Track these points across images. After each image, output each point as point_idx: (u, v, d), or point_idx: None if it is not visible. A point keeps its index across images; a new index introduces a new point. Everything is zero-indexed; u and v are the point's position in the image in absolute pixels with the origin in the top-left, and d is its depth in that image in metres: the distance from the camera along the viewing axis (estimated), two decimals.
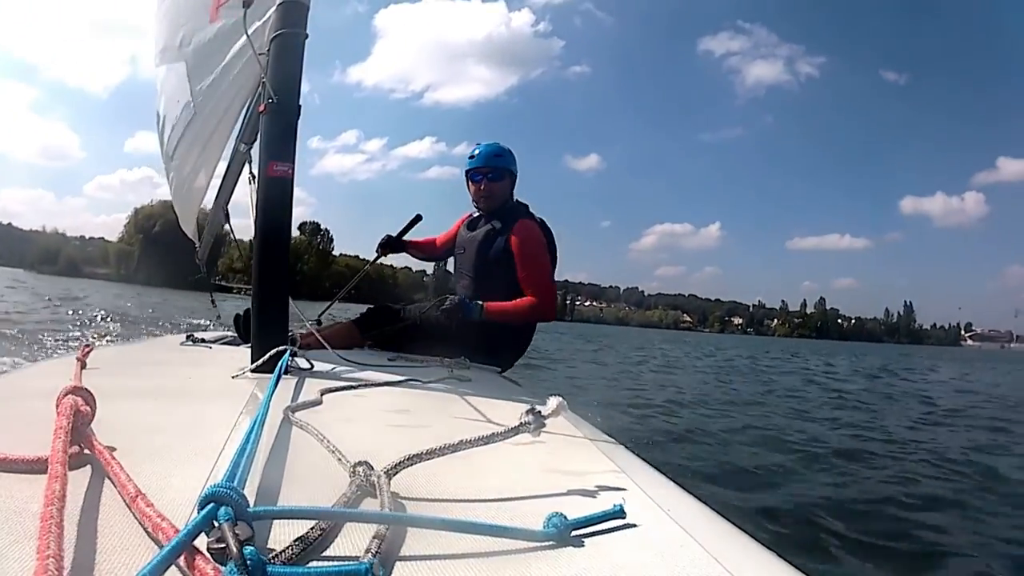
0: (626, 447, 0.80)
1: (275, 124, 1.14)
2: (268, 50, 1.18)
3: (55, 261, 49.81)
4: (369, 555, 0.35)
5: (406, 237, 2.26)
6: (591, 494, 0.55)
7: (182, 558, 0.32)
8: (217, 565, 0.31)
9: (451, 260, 2.24)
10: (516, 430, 0.58)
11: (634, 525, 0.46)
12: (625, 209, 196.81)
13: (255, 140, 1.62)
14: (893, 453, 3.59)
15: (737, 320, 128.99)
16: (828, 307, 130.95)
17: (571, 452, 0.73)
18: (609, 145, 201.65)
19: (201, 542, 0.33)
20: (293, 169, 1.13)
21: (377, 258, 2.33)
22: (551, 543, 0.42)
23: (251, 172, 1.45)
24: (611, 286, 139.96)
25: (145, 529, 0.37)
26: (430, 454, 0.52)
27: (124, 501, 0.40)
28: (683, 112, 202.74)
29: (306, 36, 1.18)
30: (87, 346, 1.06)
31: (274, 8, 1.20)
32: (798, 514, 2.27)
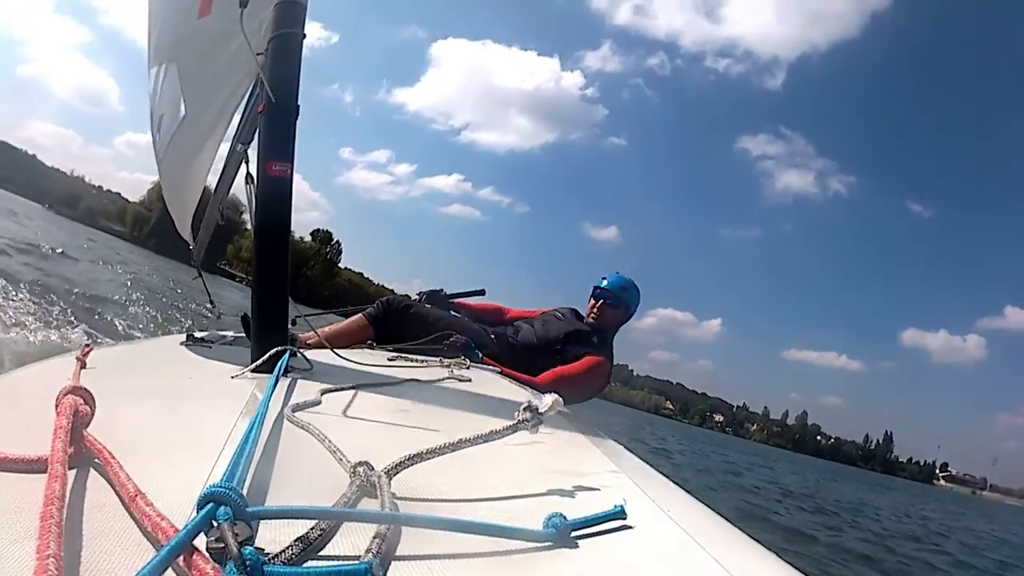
0: (625, 447, 0.80)
1: (274, 124, 1.14)
2: (266, 50, 1.18)
3: (75, 206, 50.26)
4: (369, 555, 0.35)
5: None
6: (591, 494, 0.55)
7: (181, 558, 0.32)
8: (216, 565, 0.31)
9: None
10: (514, 428, 0.58)
11: (634, 526, 0.46)
12: None
13: (252, 140, 1.61)
14: None
15: (718, 417, 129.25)
16: (810, 422, 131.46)
17: (571, 452, 0.73)
18: (630, 220, 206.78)
19: (200, 542, 0.33)
20: (292, 169, 1.13)
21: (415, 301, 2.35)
22: (551, 543, 0.42)
23: (248, 172, 1.45)
24: None
25: (145, 529, 0.37)
26: (430, 454, 0.52)
27: (124, 501, 0.40)
28: (708, 203, 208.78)
29: (304, 36, 1.18)
30: (87, 346, 1.06)
31: (272, 8, 1.20)
32: None
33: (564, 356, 2.08)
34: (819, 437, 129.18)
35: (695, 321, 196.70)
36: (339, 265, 66.67)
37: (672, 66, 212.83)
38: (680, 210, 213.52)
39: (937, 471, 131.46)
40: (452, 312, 2.32)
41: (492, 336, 2.12)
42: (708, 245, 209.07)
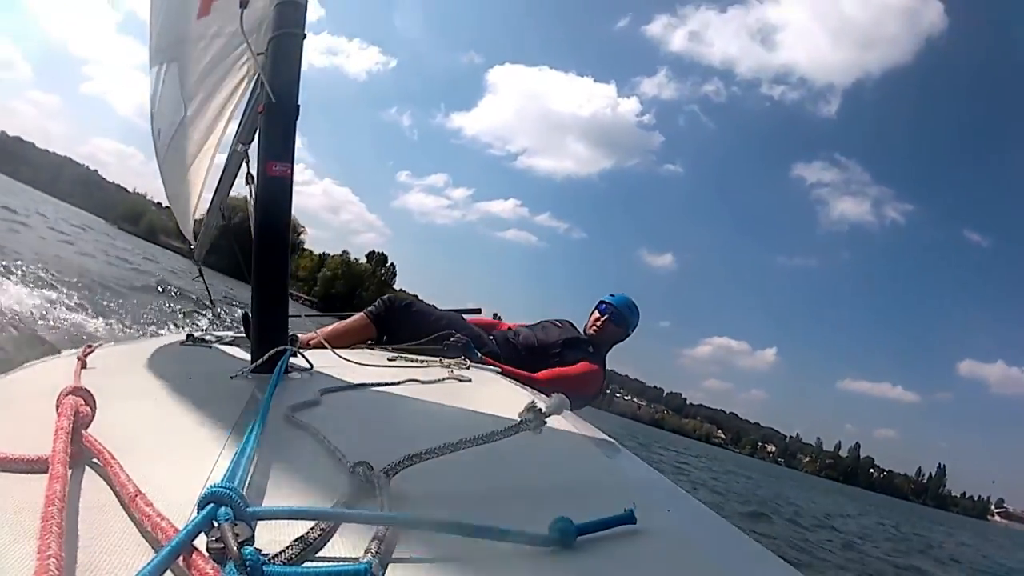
0: (628, 449, 0.80)
1: (274, 124, 1.14)
2: (266, 50, 1.18)
3: (137, 222, 51.59)
4: (369, 555, 0.35)
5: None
6: (595, 497, 0.54)
7: (181, 558, 0.32)
8: (216, 565, 0.31)
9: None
10: (516, 428, 0.57)
11: (639, 530, 0.46)
12: (687, 314, 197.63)
13: (252, 140, 1.61)
14: None
15: (770, 448, 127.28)
16: (863, 454, 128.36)
17: (573, 453, 0.73)
18: (685, 247, 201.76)
19: (201, 542, 0.33)
20: (292, 169, 1.13)
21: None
22: (556, 548, 0.41)
23: (248, 172, 1.45)
24: (655, 386, 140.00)
25: (145, 529, 0.37)
26: (430, 454, 0.52)
27: (124, 501, 0.40)
28: (764, 230, 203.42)
29: (304, 36, 1.18)
30: (88, 346, 1.06)
31: (272, 8, 1.20)
32: None
33: (563, 360, 2.12)
34: (872, 470, 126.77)
35: (749, 350, 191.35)
36: (393, 287, 67.72)
37: (728, 93, 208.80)
38: (736, 237, 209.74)
39: (992, 507, 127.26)
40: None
41: (492, 338, 2.14)
42: (764, 273, 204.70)
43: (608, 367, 2.33)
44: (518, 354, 2.10)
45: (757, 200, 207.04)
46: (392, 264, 70.06)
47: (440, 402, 1.01)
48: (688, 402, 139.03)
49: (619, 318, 2.29)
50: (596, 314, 2.32)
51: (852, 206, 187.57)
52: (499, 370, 1.78)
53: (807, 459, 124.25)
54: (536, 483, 0.58)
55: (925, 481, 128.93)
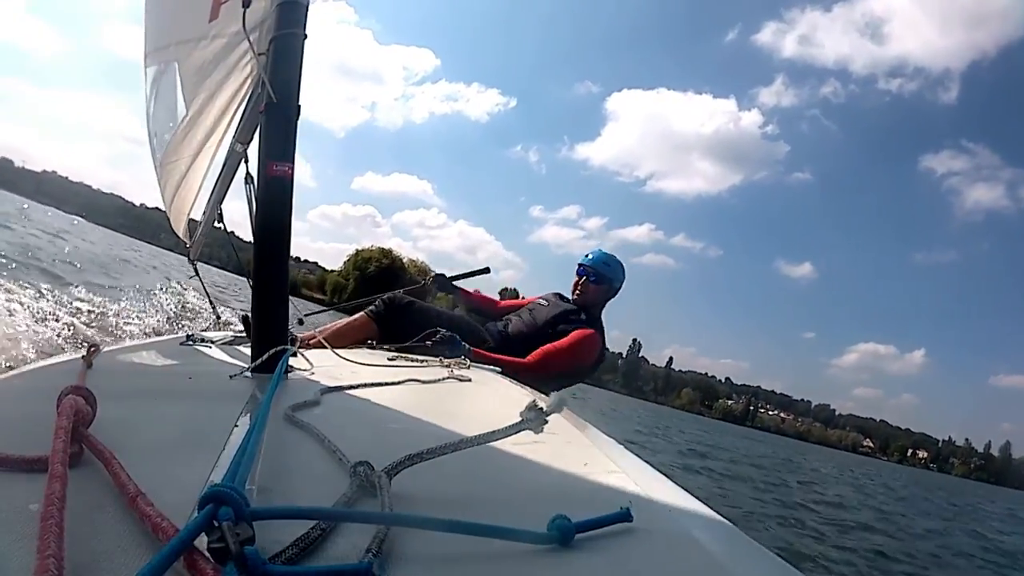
0: (628, 448, 0.80)
1: (275, 124, 1.14)
2: (268, 50, 1.18)
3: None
4: (369, 555, 0.35)
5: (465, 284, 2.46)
6: (594, 496, 0.54)
7: (182, 558, 0.32)
8: (217, 565, 0.31)
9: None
10: (517, 427, 0.57)
11: (637, 528, 0.46)
12: (831, 322, 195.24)
13: (251, 140, 1.61)
14: None
15: (922, 453, 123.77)
16: (1015, 453, 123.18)
17: (573, 452, 0.73)
18: (823, 255, 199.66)
19: (201, 542, 0.33)
20: (293, 169, 1.13)
21: (422, 285, 2.46)
22: (554, 545, 0.41)
23: (247, 172, 1.45)
24: (803, 399, 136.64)
25: (145, 529, 0.37)
26: (431, 454, 0.52)
27: (124, 501, 0.40)
28: (899, 229, 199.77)
29: (305, 36, 1.18)
30: (92, 346, 1.06)
31: (273, 8, 1.20)
32: None
33: (555, 337, 2.09)
34: None
35: (897, 354, 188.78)
36: None
37: (846, 92, 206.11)
38: (872, 239, 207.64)
39: None
40: (459, 290, 2.45)
41: (485, 330, 2.14)
42: (904, 272, 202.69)
43: (754, 383, 2.29)
44: (511, 344, 2.08)
45: (889, 198, 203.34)
46: (523, 297, 72.31)
47: (440, 402, 1.01)
48: (837, 413, 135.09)
49: (598, 277, 2.25)
50: (576, 279, 2.28)
51: (985, 192, 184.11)
52: (499, 369, 1.78)
53: (958, 462, 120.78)
54: (536, 483, 0.58)
55: None
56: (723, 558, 0.42)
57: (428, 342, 1.75)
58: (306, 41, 1.18)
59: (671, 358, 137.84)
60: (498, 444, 0.56)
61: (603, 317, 2.30)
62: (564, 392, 0.66)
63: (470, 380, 1.27)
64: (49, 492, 0.34)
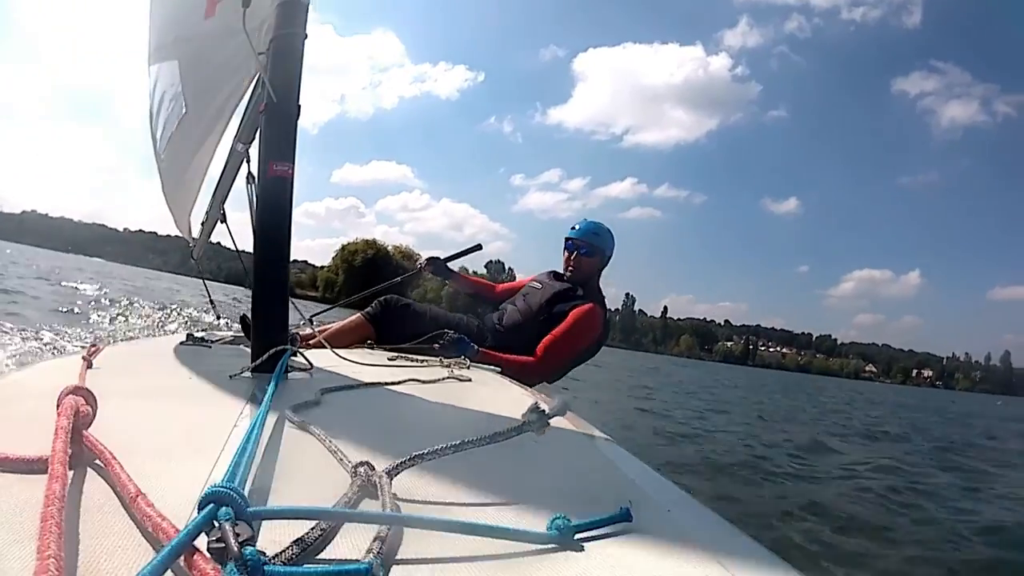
0: (627, 449, 0.80)
1: (275, 124, 1.14)
2: (268, 50, 1.18)
3: None
4: (370, 556, 0.35)
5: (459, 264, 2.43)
6: (594, 496, 0.54)
7: (182, 558, 0.31)
8: (217, 565, 0.31)
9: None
10: (519, 429, 0.57)
11: (637, 528, 0.46)
12: (824, 254, 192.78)
13: (253, 140, 1.61)
14: None
15: (927, 372, 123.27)
16: (1015, 364, 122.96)
17: (574, 453, 0.73)
18: (808, 189, 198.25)
19: (201, 542, 0.33)
20: (293, 169, 1.13)
21: (418, 271, 2.41)
22: (554, 546, 0.42)
23: (249, 172, 1.44)
24: (804, 333, 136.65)
25: (145, 529, 0.37)
26: (432, 454, 0.52)
27: (124, 501, 0.40)
28: (881, 155, 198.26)
29: (305, 36, 1.18)
30: (94, 346, 1.06)
31: (273, 8, 1.20)
32: None
33: (553, 320, 2.03)
34: None
35: (893, 277, 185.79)
36: None
37: (811, 26, 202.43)
38: (854, 167, 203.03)
39: None
40: (457, 276, 2.39)
41: (480, 325, 2.11)
42: (889, 197, 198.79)
43: (752, 322, 2.21)
44: (510, 336, 2.04)
45: (866, 125, 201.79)
46: (511, 268, 73.36)
47: (441, 402, 1.01)
48: (839, 342, 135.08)
49: (588, 249, 2.18)
50: (565, 254, 2.21)
51: (960, 110, 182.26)
52: (498, 369, 1.79)
53: (960, 376, 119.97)
54: (537, 483, 0.58)
55: None
56: (723, 558, 0.42)
57: (436, 344, 1.74)
58: (306, 41, 1.18)
59: (665, 307, 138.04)
60: (500, 445, 0.56)
61: (600, 286, 2.23)
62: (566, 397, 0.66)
63: (470, 380, 1.27)
64: (49, 492, 0.34)
